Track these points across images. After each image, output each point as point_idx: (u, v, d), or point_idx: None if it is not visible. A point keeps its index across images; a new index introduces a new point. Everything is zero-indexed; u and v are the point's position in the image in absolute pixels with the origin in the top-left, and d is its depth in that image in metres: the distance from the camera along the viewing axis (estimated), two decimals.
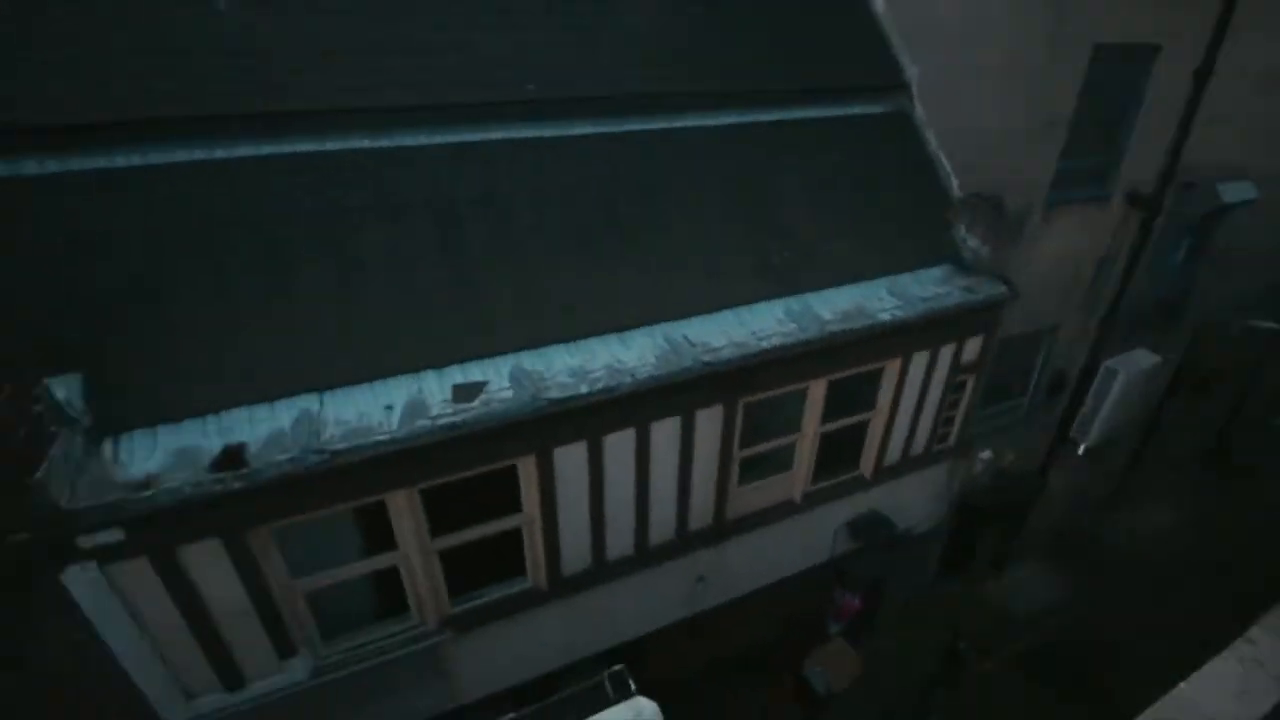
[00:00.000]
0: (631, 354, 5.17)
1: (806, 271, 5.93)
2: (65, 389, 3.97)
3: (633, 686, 1.47)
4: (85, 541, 3.93)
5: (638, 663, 7.12)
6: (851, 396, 6.53)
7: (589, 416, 4.97)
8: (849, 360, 6.06)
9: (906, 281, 6.28)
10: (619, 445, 5.37)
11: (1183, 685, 4.63)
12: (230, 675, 4.82)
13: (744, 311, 5.65)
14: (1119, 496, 11.59)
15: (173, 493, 3.92)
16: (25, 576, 3.92)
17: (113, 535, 3.97)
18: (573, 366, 5.01)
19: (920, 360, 6.53)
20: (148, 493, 3.90)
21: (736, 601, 7.20)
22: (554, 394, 4.76)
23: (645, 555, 6.12)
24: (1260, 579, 9.15)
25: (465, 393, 4.73)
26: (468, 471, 4.89)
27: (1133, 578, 10.49)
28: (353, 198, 4.97)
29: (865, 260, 6.22)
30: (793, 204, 6.18)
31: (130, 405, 4.12)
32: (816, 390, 6.18)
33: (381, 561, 5.03)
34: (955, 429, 7.49)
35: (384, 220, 4.99)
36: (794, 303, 5.76)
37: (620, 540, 5.91)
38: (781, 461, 6.65)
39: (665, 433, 5.55)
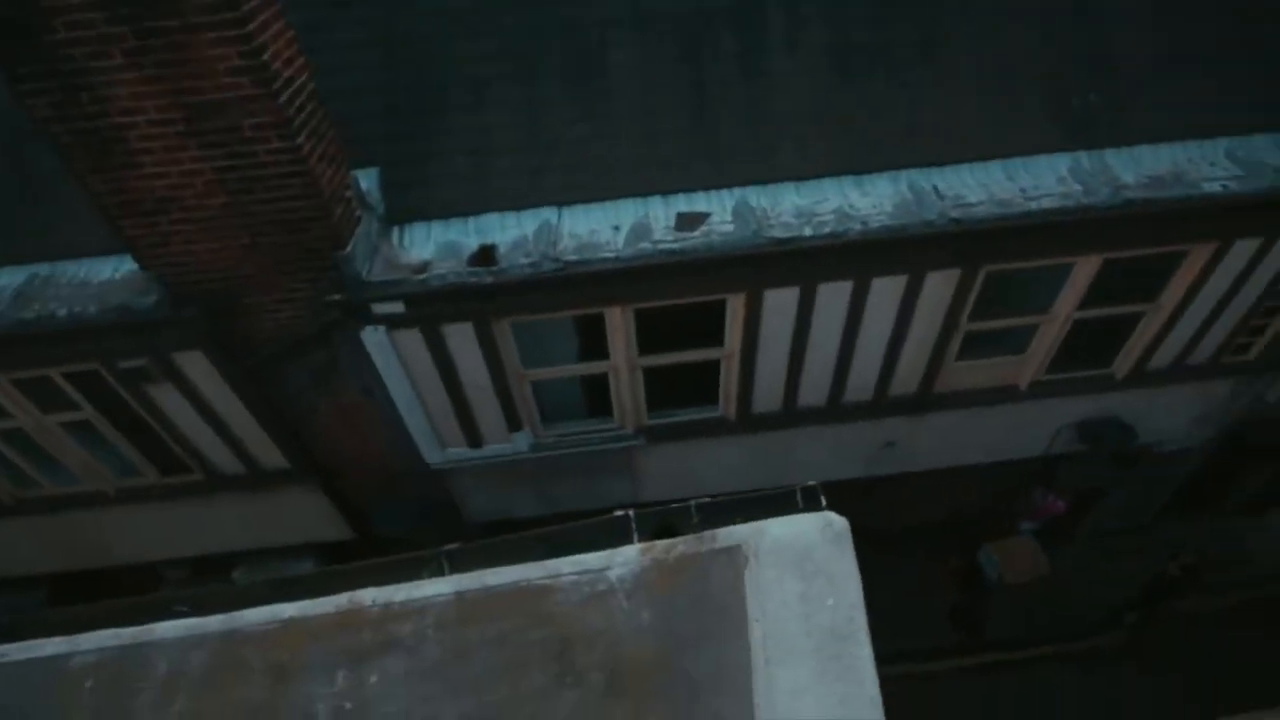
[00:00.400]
0: (867, 200, 4.73)
1: (1116, 120, 4.75)
2: (366, 180, 4.67)
3: (824, 501, 1.51)
4: (378, 308, 4.81)
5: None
6: (1129, 280, 5.43)
7: (807, 261, 4.74)
8: (1143, 237, 4.95)
9: (1258, 145, 4.79)
10: (833, 295, 5.12)
11: None
12: (473, 435, 5.88)
13: (1018, 164, 4.78)
14: None
15: (441, 278, 4.57)
16: (334, 330, 4.95)
17: (396, 306, 4.80)
18: (800, 206, 4.73)
19: (1244, 250, 5.14)
20: (423, 276, 4.60)
21: (927, 474, 6.99)
22: (776, 233, 4.58)
23: (838, 409, 6.06)
24: None
25: (688, 222, 4.72)
26: (680, 299, 5.03)
27: None
28: (603, 6, 4.84)
29: (1203, 112, 4.79)
30: (1118, 26, 4.82)
31: (412, 200, 4.75)
32: (1085, 268, 5.22)
33: (595, 368, 5.57)
34: (1263, 341, 6.02)
35: (632, 30, 4.83)
36: (1086, 158, 4.72)
37: (814, 390, 5.87)
38: (1016, 342, 5.93)
39: (887, 289, 5.15)
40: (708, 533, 1.66)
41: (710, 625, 1.49)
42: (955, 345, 5.71)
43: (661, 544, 1.64)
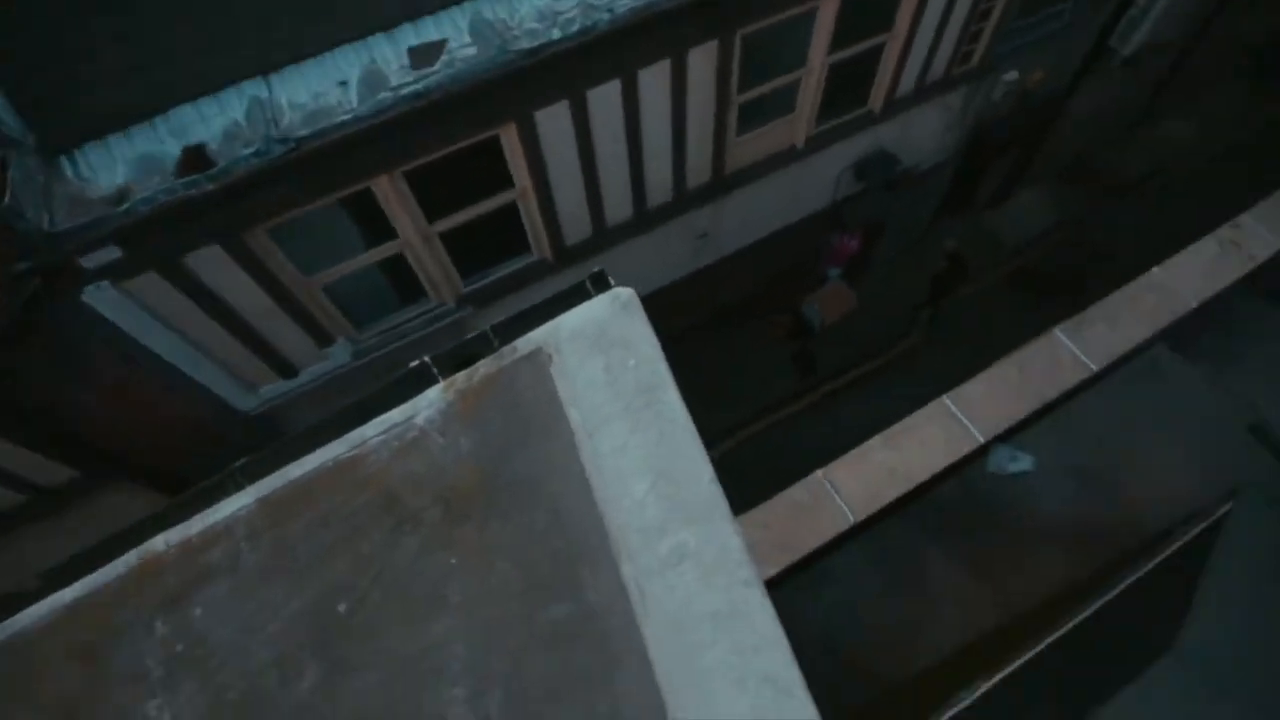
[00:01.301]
0: None
1: None
2: None
3: (612, 281, 1.51)
4: (88, 262, 3.93)
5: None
6: (866, 15, 5.68)
7: (567, 67, 4.43)
8: None
9: None
10: (605, 100, 4.90)
11: (1156, 269, 4.93)
12: (282, 366, 5.31)
13: None
14: (1149, 112, 10.94)
15: (149, 201, 3.76)
16: (45, 305, 4.03)
17: (110, 253, 3.95)
18: (541, 8, 4.29)
19: None
20: (124, 205, 3.76)
21: (741, 252, 7.44)
22: (523, 44, 4.17)
23: (646, 217, 6.12)
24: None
25: (423, 55, 4.15)
26: (446, 147, 4.58)
27: (1144, 195, 10.53)
28: None
29: None
30: None
31: (69, 118, 3.71)
32: (826, 11, 5.36)
33: (385, 251, 5.08)
34: (981, 45, 6.70)
35: None
36: None
37: (619, 205, 5.84)
38: (783, 103, 6.15)
39: (655, 80, 5.01)
40: (505, 348, 1.60)
41: (530, 427, 1.48)
42: (733, 119, 5.81)
43: (461, 374, 1.57)
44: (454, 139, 4.58)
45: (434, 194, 4.91)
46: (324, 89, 4.02)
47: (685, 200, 6.22)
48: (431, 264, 5.36)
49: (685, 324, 8.51)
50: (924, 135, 7.51)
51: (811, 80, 5.95)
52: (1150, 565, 3.94)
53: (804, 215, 7.58)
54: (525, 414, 1.50)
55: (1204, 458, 4.96)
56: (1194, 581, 3.90)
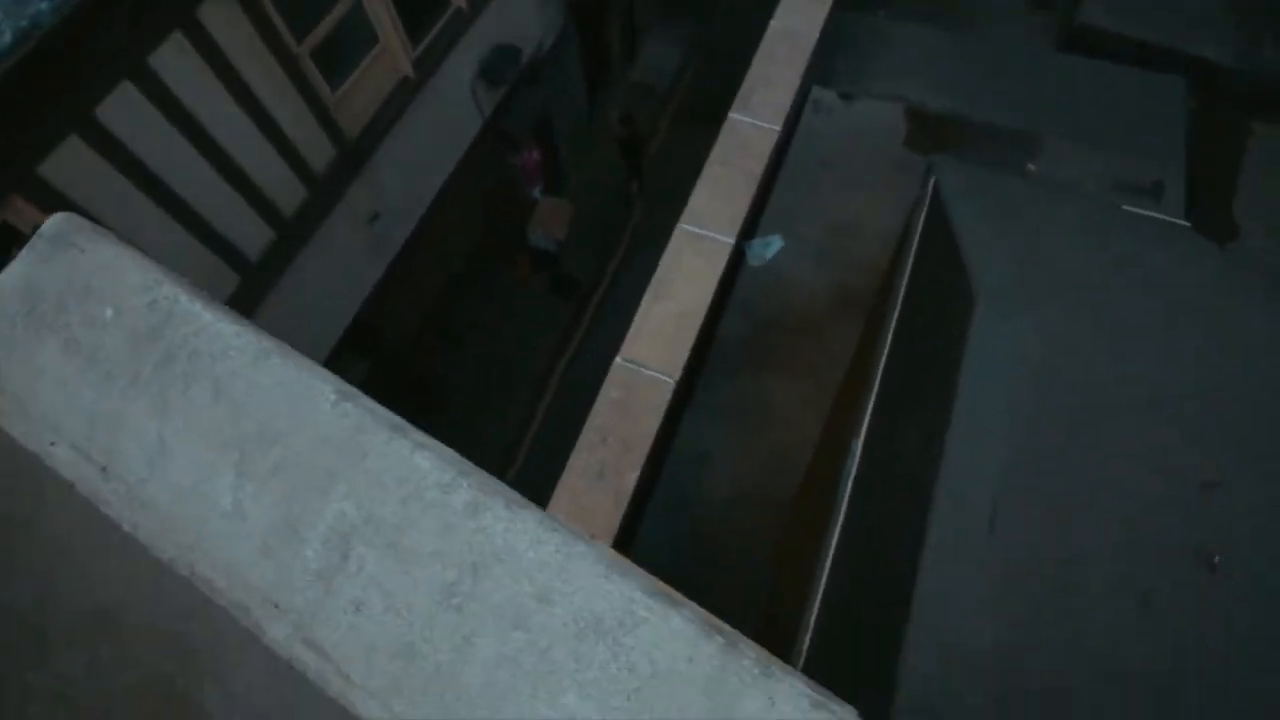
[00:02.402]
0: None
1: None
2: None
3: (40, 232, 0.93)
4: None
5: (377, 330, 6.74)
6: None
7: (38, 100, 3.21)
8: None
9: None
10: (133, 114, 3.73)
11: (772, 21, 5.13)
12: None
13: None
14: None
15: None
16: None
17: None
18: None
19: None
20: None
21: (431, 219, 6.64)
22: None
23: (293, 228, 5.05)
24: None
25: None
26: None
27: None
28: None
29: None
30: None
31: None
32: None
33: None
34: None
35: None
36: None
37: (243, 226, 4.70)
38: (363, 37, 5.29)
39: (181, 63, 3.91)
40: None
41: (4, 500, 0.75)
42: (314, 74, 4.87)
43: None
44: None
45: None
46: None
47: (322, 187, 5.22)
48: None
49: (424, 312, 7.62)
50: (526, 14, 7.12)
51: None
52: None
53: (467, 147, 6.91)
54: None
55: (888, 170, 5.45)
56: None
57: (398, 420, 0.78)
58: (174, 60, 3.88)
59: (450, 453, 0.76)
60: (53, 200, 3.57)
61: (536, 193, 9.26)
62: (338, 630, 0.69)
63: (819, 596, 3.29)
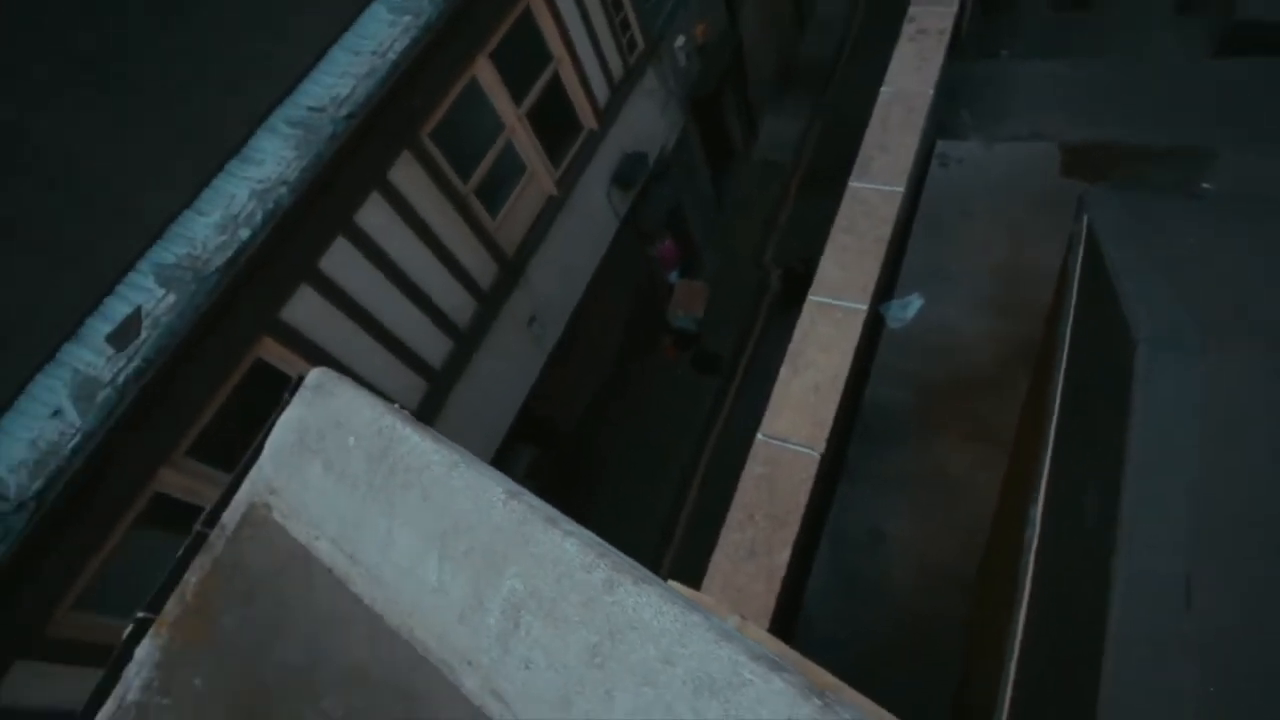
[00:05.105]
0: (267, 165, 4.18)
1: None
2: None
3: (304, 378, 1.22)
4: None
5: (541, 418, 7.33)
6: (525, 60, 5.86)
7: (281, 258, 4.14)
8: (490, 21, 5.26)
9: None
10: (346, 262, 4.64)
11: (883, 87, 5.20)
12: None
13: (347, 36, 4.59)
14: (804, 9, 12.16)
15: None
16: None
17: None
18: (216, 222, 4.01)
19: None
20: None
21: (581, 314, 7.28)
22: (217, 261, 3.84)
23: (467, 339, 5.81)
24: None
25: (123, 334, 3.73)
26: (216, 399, 4.10)
27: (841, 60, 11.55)
28: None
29: None
30: None
31: None
32: (485, 72, 5.45)
33: None
34: (634, 27, 7.12)
35: None
36: None
37: (429, 341, 5.50)
38: (513, 168, 6.15)
39: (378, 217, 4.82)
40: (212, 533, 1.18)
41: (280, 605, 1.06)
42: (478, 207, 5.72)
43: (170, 601, 1.12)
44: (220, 387, 4.11)
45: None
46: (38, 429, 3.48)
47: (489, 299, 5.98)
48: None
49: (582, 399, 8.18)
50: (649, 123, 7.81)
51: (520, 135, 6.00)
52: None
53: (607, 248, 7.57)
54: (267, 595, 1.08)
55: (1040, 210, 5.16)
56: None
57: (553, 512, 0.99)
58: (374, 215, 4.79)
59: (591, 536, 0.95)
60: (291, 336, 4.48)
61: (673, 277, 9.77)
62: (514, 683, 0.88)
63: (1009, 686, 3.01)
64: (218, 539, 1.16)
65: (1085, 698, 1.92)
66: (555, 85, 6.32)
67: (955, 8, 5.34)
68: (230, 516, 1.18)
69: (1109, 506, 2.03)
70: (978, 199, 5.47)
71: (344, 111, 4.28)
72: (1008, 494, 4.43)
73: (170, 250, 3.92)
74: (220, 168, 4.16)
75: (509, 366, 6.48)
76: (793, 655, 1.19)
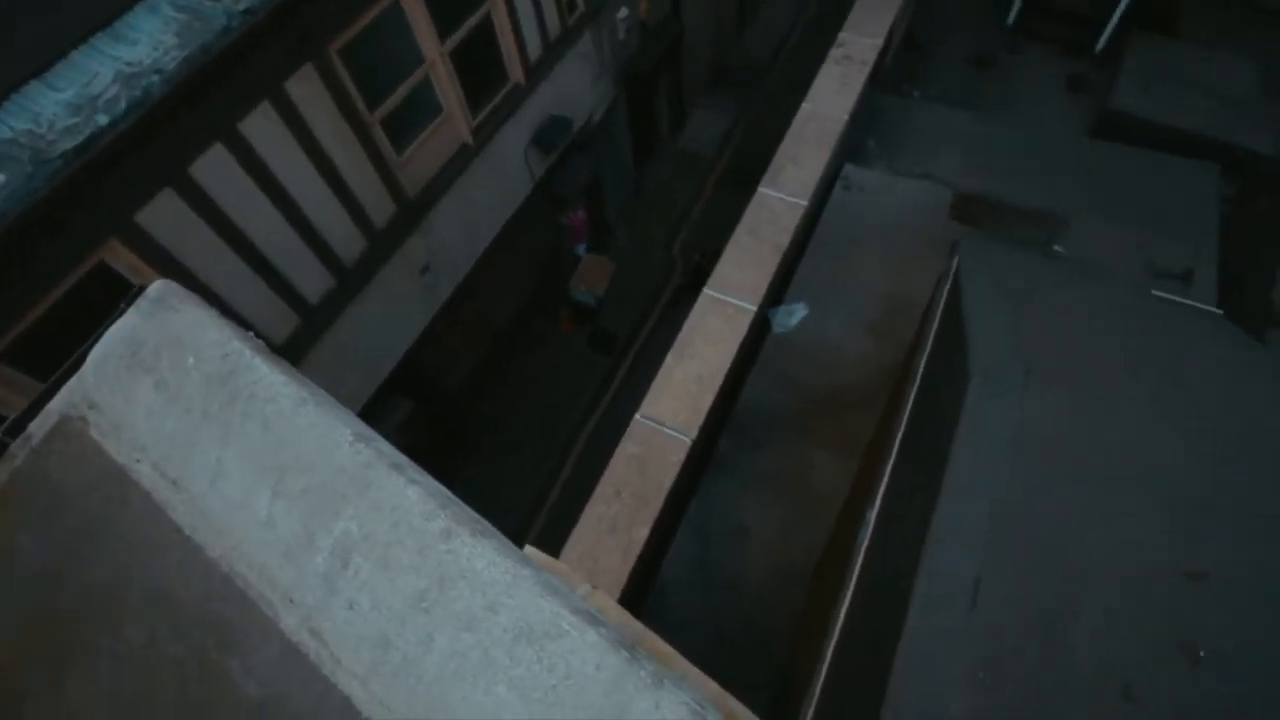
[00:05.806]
0: (141, 47, 3.71)
1: None
2: None
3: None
4: None
5: (422, 373, 7.09)
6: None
7: (143, 153, 3.70)
8: None
9: None
10: (221, 172, 4.23)
11: (804, 103, 5.43)
12: None
13: None
14: (744, 7, 12.34)
15: None
16: None
17: None
18: (68, 100, 3.52)
19: None
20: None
21: (478, 270, 7.07)
22: (64, 144, 3.38)
23: (352, 277, 5.49)
24: None
25: None
26: (47, 299, 3.63)
27: (775, 70, 11.88)
28: None
29: None
30: None
31: None
32: (411, 2, 5.11)
33: None
34: None
35: None
36: None
37: (307, 272, 5.14)
38: (429, 107, 5.83)
39: (267, 129, 4.42)
40: (15, 443, 1.07)
41: (88, 527, 0.98)
42: (383, 140, 5.39)
43: None
44: (52, 288, 3.64)
45: None
46: None
47: (383, 244, 5.68)
48: None
49: (469, 359, 7.98)
50: (579, 90, 7.66)
51: (441, 73, 5.70)
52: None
53: (516, 208, 7.38)
54: (72, 515, 1.00)
55: (922, 246, 5.60)
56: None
57: (400, 459, 0.98)
58: (261, 126, 4.39)
59: (438, 487, 0.96)
60: (144, 244, 4.04)
61: (580, 249, 9.70)
62: (335, 622, 0.87)
63: (826, 662, 3.31)
64: (20, 449, 1.05)
65: (881, 674, 2.17)
66: (486, 29, 6.04)
67: (881, 42, 5.65)
68: (39, 427, 1.07)
69: (925, 514, 2.30)
70: (872, 226, 5.86)
71: (243, 5, 3.88)
72: (853, 499, 4.83)
73: (7, 123, 3.40)
74: (83, 39, 3.66)
75: (395, 314, 6.19)
76: (636, 626, 1.25)
